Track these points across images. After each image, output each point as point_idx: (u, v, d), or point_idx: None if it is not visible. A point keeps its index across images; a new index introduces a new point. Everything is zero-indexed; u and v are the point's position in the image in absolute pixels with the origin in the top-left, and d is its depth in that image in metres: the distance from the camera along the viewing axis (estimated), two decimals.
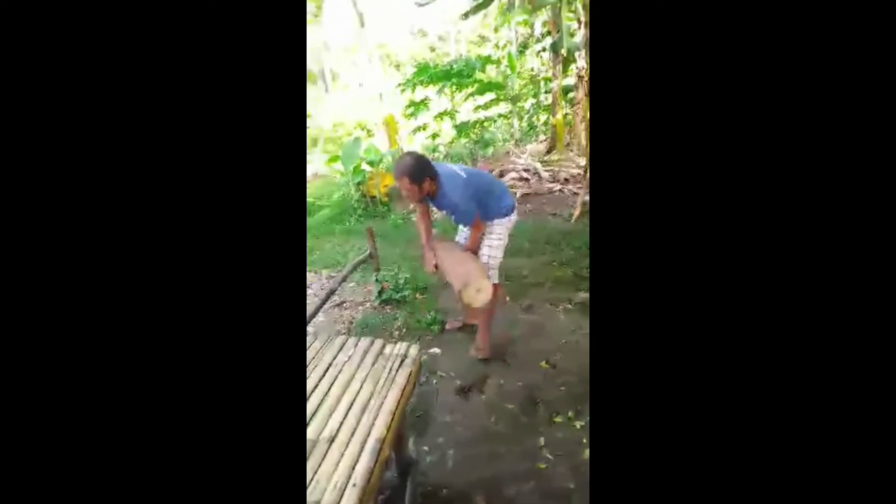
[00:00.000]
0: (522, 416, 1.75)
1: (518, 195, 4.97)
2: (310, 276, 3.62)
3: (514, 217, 2.03)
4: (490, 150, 6.49)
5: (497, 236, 2.02)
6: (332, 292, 2.30)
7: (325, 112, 10.66)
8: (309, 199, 5.64)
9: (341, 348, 1.29)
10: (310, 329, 2.61)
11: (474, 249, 2.00)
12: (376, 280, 2.96)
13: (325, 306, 2.83)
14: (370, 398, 1.07)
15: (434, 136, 6.43)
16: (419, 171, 1.76)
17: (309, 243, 4.29)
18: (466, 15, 7.11)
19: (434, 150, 6.42)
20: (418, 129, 6.30)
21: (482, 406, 1.83)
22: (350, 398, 1.08)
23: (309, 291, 3.40)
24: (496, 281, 2.05)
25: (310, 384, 1.14)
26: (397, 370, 1.17)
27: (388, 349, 1.28)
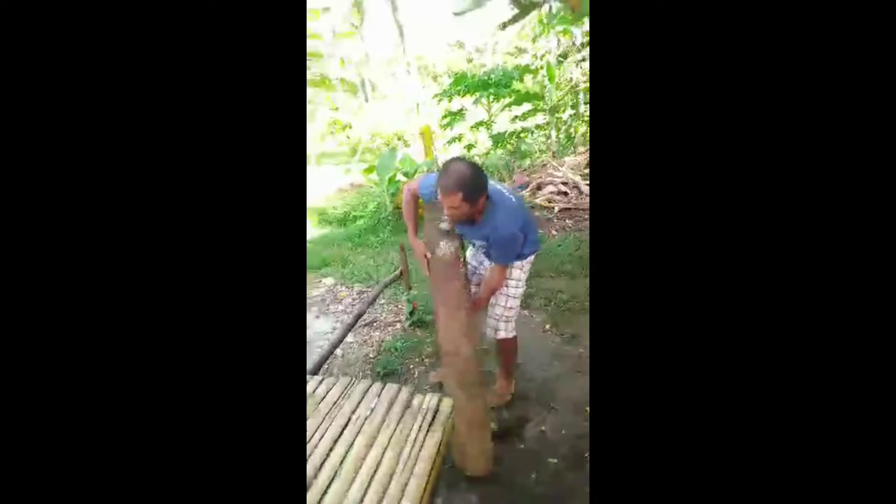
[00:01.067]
0: (567, 474, 1.53)
1: (557, 210, 4.73)
2: (342, 291, 3.54)
3: (532, 257, 1.69)
4: (527, 162, 6.27)
5: (517, 281, 1.66)
6: (359, 315, 2.18)
7: (364, 122, 10.79)
8: (345, 209, 5.64)
9: (363, 397, 1.14)
10: (338, 352, 2.49)
11: (488, 297, 1.63)
12: (407, 300, 2.82)
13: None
14: (393, 472, 0.91)
15: (469, 146, 6.29)
16: (478, 186, 1.32)
17: (343, 255, 4.24)
18: (504, 25, 6.96)
19: None
20: (454, 139, 6.17)
21: (521, 458, 1.62)
22: (370, 469, 0.92)
23: (339, 307, 3.32)
24: (513, 334, 1.77)
25: (324, 445, 0.98)
26: (426, 433, 1.00)
27: (416, 401, 1.12)
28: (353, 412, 1.09)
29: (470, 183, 1.31)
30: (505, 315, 1.70)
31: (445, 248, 1.49)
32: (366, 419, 1.06)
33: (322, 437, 1.01)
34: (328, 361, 2.14)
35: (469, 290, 1.50)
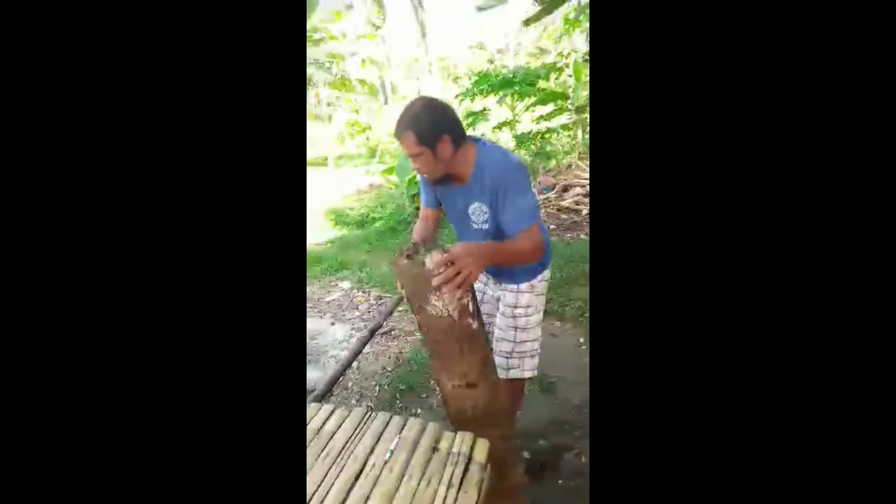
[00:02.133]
0: None
1: (584, 213, 4.49)
2: (359, 296, 3.39)
3: (547, 272, 1.30)
4: (552, 163, 6.04)
5: (525, 309, 1.24)
6: (376, 329, 2.00)
7: (384, 124, 10.70)
8: (363, 211, 5.53)
9: (379, 437, 0.94)
10: (354, 366, 2.32)
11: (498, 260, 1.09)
12: None
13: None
14: None
15: None
16: (434, 120, 1.00)
17: (361, 258, 4.11)
18: (528, 22, 6.74)
19: None
20: None
21: (560, 497, 1.41)
22: None
23: (356, 313, 3.16)
24: (528, 374, 1.32)
25: (332, 501, 0.79)
26: (458, 490, 0.80)
27: (444, 443, 0.92)
28: (369, 455, 0.90)
29: (422, 117, 0.99)
30: (517, 351, 1.29)
31: (440, 304, 0.92)
32: (383, 467, 0.86)
33: (331, 485, 0.82)
34: (341, 377, 1.96)
35: (486, 349, 1.00)
